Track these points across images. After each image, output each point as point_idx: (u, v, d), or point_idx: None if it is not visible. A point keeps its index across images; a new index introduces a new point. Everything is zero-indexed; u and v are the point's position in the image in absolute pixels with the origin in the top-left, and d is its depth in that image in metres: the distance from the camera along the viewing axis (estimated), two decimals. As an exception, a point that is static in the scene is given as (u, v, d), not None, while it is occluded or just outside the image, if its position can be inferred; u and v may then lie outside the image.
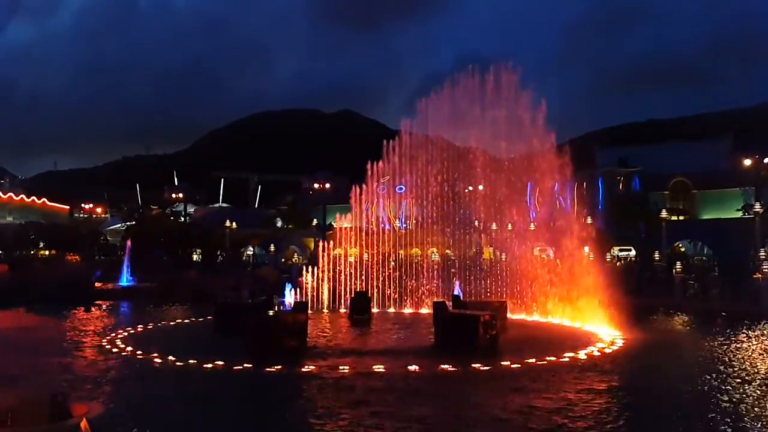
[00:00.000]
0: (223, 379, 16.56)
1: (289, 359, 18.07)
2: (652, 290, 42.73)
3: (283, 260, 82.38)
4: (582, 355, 19.73)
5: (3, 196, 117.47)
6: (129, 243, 59.24)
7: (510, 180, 35.03)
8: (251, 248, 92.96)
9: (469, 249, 38.91)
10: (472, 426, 12.27)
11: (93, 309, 36.34)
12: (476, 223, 38.39)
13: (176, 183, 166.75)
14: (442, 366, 17.36)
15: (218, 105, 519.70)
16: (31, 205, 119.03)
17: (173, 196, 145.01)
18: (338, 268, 36.06)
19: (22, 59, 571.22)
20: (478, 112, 35.60)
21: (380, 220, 40.65)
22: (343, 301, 34.92)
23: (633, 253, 70.03)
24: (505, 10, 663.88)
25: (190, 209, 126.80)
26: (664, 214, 62.70)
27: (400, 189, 40.78)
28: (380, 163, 37.87)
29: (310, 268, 36.33)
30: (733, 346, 22.44)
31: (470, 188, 38.39)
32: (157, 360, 18.59)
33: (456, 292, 31.36)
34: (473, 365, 17.38)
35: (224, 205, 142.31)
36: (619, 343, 22.45)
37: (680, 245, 70.93)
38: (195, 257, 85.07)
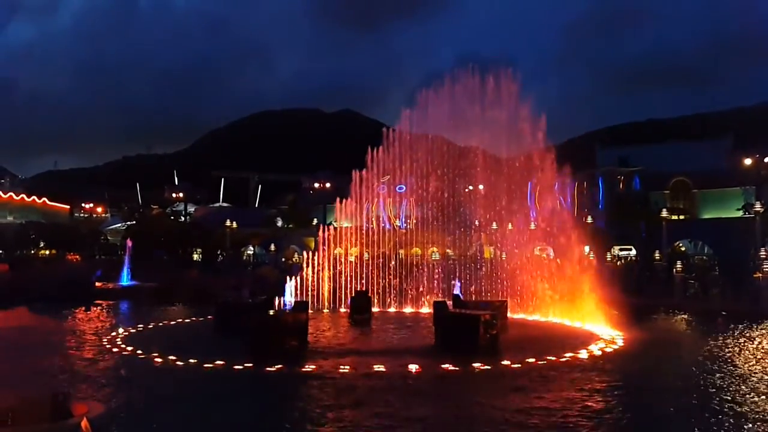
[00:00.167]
0: (224, 379, 16.57)
1: (289, 359, 18.09)
2: (653, 289, 42.73)
3: (283, 260, 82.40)
4: (582, 354, 19.74)
5: (3, 195, 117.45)
6: (129, 242, 59.31)
7: (510, 180, 35.06)
8: (252, 248, 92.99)
9: (470, 248, 38.92)
10: (472, 426, 12.27)
11: (93, 309, 36.34)
12: (476, 222, 38.41)
13: (176, 182, 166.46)
14: (443, 366, 17.36)
15: (218, 105, 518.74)
16: (32, 205, 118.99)
17: (173, 195, 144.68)
18: (338, 267, 36.00)
19: (22, 59, 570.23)
20: (477, 112, 35.66)
21: (381, 219, 40.65)
22: (343, 300, 34.91)
23: (633, 252, 70.04)
24: (505, 10, 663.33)
25: (191, 209, 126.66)
26: (664, 213, 62.73)
27: (401, 188, 40.79)
28: (380, 150, 37.46)
29: (304, 267, 36.07)
30: (734, 345, 22.44)
31: (470, 188, 38.40)
32: (158, 360, 18.60)
33: (456, 292, 31.40)
34: (474, 365, 17.38)
35: (224, 204, 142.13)
36: (620, 342, 22.47)
37: (681, 245, 70.89)
38: (195, 257, 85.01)
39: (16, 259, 75.61)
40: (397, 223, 44.04)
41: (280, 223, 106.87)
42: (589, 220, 65.06)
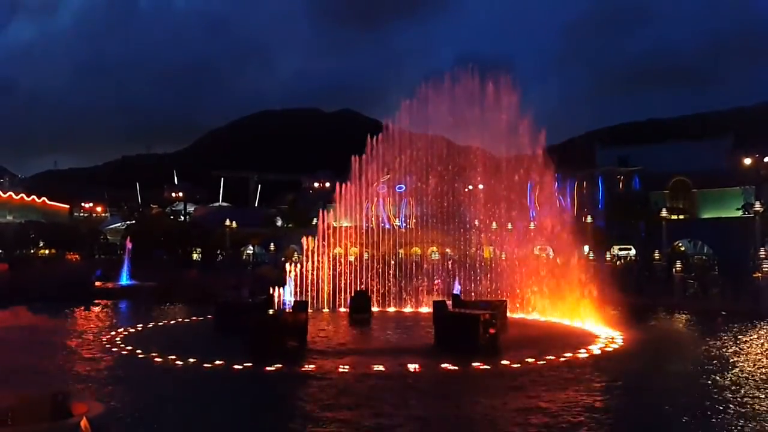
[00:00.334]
0: (223, 379, 16.58)
1: (289, 358, 18.10)
2: (652, 289, 42.74)
3: (283, 259, 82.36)
4: (582, 354, 19.75)
5: (3, 195, 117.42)
6: (129, 242, 59.21)
7: (509, 179, 35.06)
8: (251, 247, 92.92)
9: (469, 248, 38.92)
10: (471, 425, 12.28)
11: (93, 308, 36.36)
12: (476, 222, 38.41)
13: (176, 182, 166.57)
14: (442, 365, 17.37)
15: (218, 105, 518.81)
16: (31, 204, 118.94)
17: (173, 195, 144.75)
18: (338, 267, 35.98)
19: (22, 59, 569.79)
20: (476, 112, 35.65)
21: (380, 219, 40.64)
22: (343, 300, 34.90)
23: (633, 252, 70.03)
24: (505, 10, 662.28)
25: (190, 208, 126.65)
26: (664, 213, 62.76)
27: (400, 188, 40.78)
28: (379, 138, 37.17)
29: (298, 266, 35.90)
30: (733, 345, 22.46)
31: (470, 187, 38.40)
32: (158, 359, 18.61)
33: (456, 291, 31.40)
34: (473, 364, 17.39)
35: (224, 204, 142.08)
36: (619, 342, 22.47)
37: (680, 244, 70.88)
38: (195, 256, 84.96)
39: (16, 258, 75.58)
40: (397, 222, 44.07)
41: (279, 223, 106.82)
42: (589, 219, 65.04)
